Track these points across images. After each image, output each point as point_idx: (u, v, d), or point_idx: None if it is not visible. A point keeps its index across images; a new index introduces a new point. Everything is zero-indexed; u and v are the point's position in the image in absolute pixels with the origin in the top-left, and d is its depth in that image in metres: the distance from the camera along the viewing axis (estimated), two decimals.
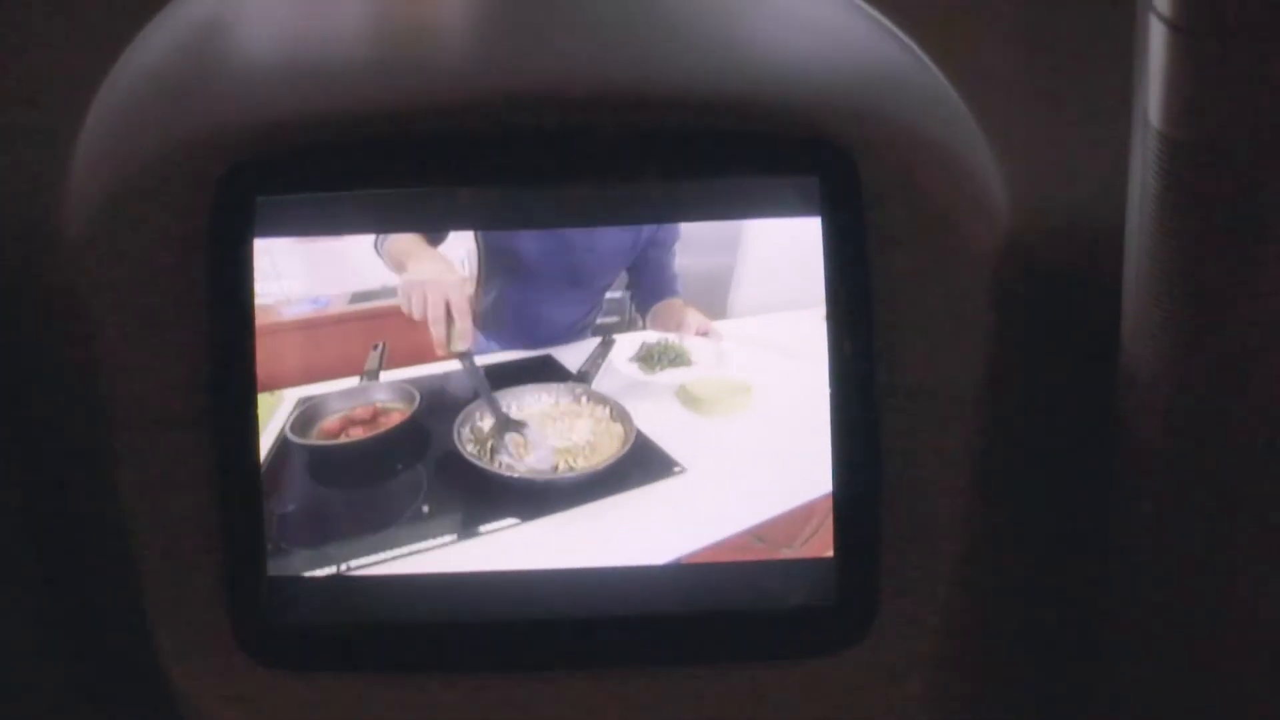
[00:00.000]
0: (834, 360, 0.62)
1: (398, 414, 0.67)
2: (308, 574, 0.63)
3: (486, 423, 0.67)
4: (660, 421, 0.67)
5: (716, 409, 0.67)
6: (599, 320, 0.68)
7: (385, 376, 0.67)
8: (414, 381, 0.67)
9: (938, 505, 0.63)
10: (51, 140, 0.60)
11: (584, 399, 0.68)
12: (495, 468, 0.66)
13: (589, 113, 0.63)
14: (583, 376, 0.68)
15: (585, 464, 0.66)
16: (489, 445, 0.66)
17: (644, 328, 0.68)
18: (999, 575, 0.64)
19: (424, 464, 0.66)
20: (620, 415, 0.67)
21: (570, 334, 0.68)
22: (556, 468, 0.66)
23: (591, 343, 0.68)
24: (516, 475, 0.66)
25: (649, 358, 0.68)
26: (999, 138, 0.60)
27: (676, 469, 0.66)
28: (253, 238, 0.63)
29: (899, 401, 0.63)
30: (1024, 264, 0.61)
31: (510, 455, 0.66)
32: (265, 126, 0.62)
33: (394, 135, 0.63)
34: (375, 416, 0.67)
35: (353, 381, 0.67)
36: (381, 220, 0.64)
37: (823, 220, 0.62)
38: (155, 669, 0.64)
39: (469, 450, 0.66)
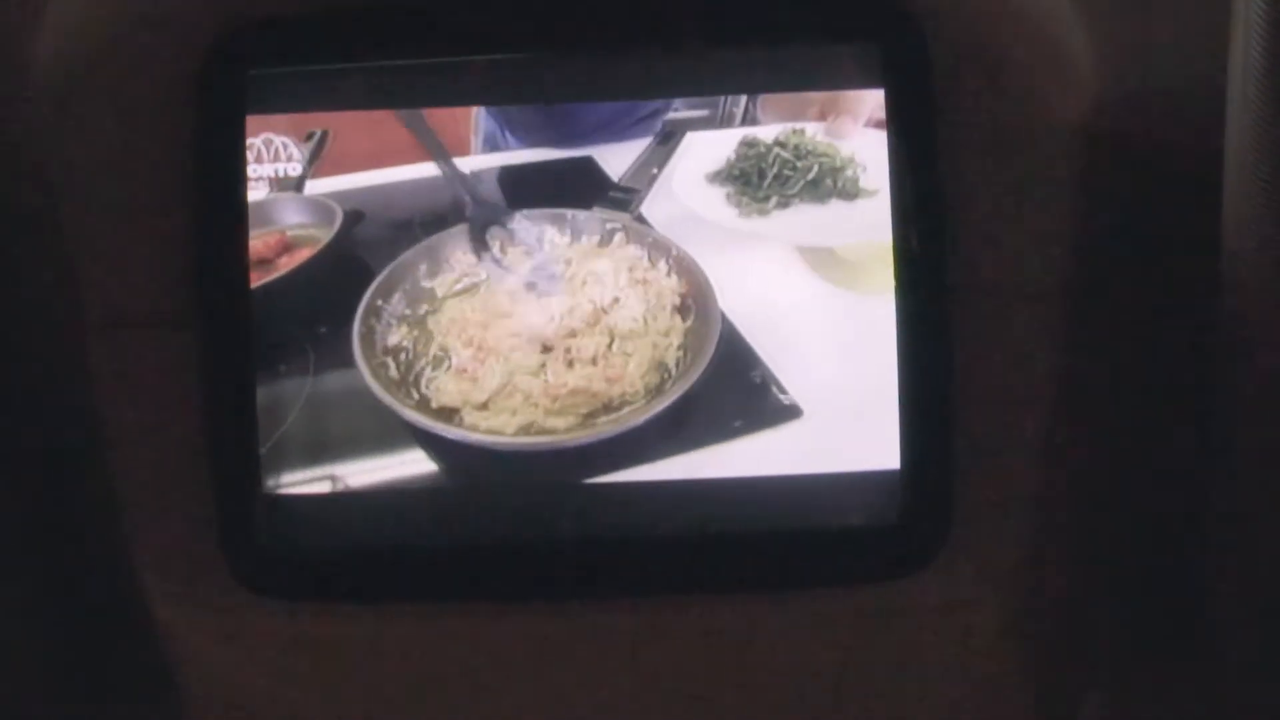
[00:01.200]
0: (899, 252, 0.55)
1: (308, 249, 0.51)
2: (311, 490, 0.56)
3: (443, 281, 0.50)
4: (763, 304, 0.48)
5: (868, 280, 0.50)
6: (672, 114, 0.52)
7: (316, 188, 0.50)
8: (348, 195, 0.49)
9: (1015, 415, 0.57)
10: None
11: (618, 238, 0.51)
12: (416, 409, 0.49)
13: None
14: (621, 198, 0.51)
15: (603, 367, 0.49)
16: (430, 340, 0.50)
17: (752, 123, 0.50)
18: (1084, 493, 0.59)
19: (315, 349, 0.48)
20: (694, 289, 0.48)
21: (625, 125, 0.53)
22: (569, 309, 0.48)
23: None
24: (461, 435, 0.49)
25: (753, 176, 0.49)
26: None
27: (789, 406, 0.51)
28: (245, 115, 0.56)
29: (972, 299, 0.57)
30: (1113, 143, 0.56)
31: (498, 259, 0.50)
32: None
33: None
34: (279, 254, 0.51)
35: (260, 194, 0.53)
36: (395, 95, 0.56)
37: (886, 93, 0.55)
38: (139, 603, 0.59)
39: (385, 344, 0.49)
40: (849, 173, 0.52)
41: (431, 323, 0.53)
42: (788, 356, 0.53)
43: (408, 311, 0.53)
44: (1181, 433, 0.57)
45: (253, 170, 0.56)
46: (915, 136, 0.55)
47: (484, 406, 0.54)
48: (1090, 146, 0.56)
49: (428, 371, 0.54)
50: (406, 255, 0.53)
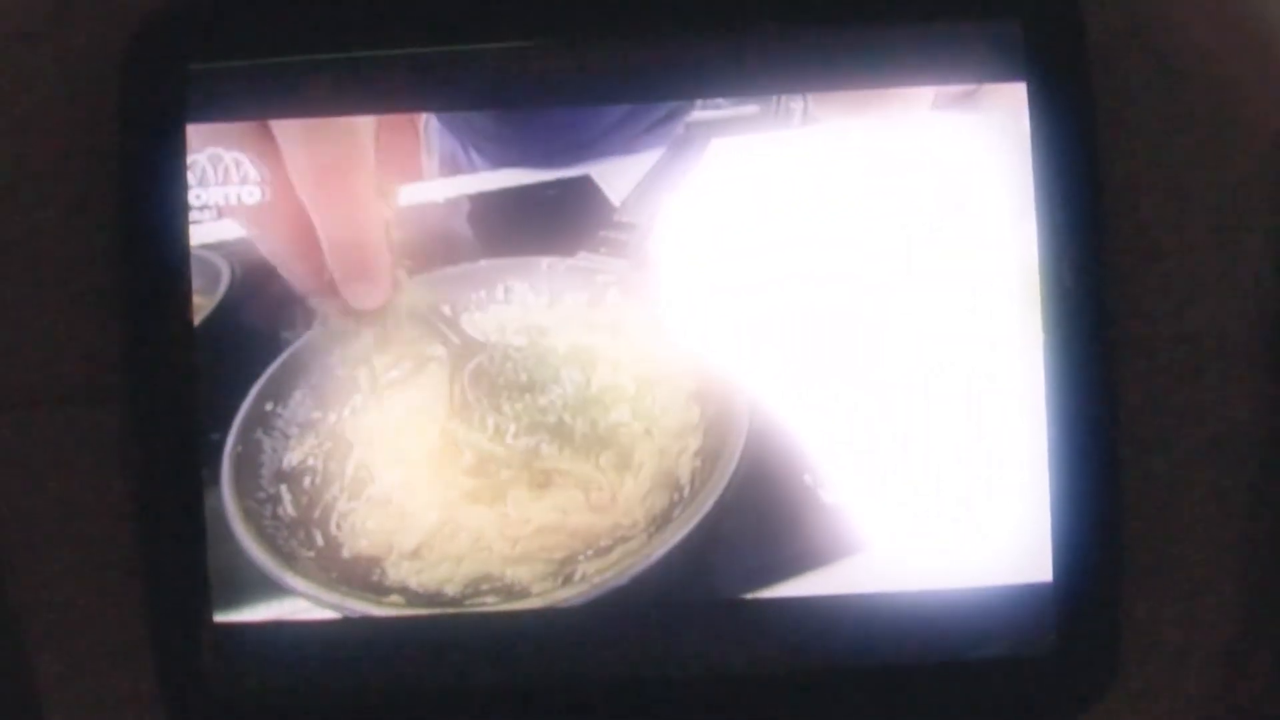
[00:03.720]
0: (1048, 294, 0.46)
1: None
2: (278, 620, 0.44)
3: (370, 368, 0.40)
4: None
5: None
6: (698, 113, 0.39)
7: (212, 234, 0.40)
8: (233, 247, 0.40)
9: (1210, 506, 0.48)
10: None
11: (612, 296, 0.40)
12: (312, 570, 0.39)
13: None
14: (617, 237, 0.38)
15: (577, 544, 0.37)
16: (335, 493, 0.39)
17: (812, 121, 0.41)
18: None
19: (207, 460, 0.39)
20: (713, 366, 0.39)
21: (633, 133, 0.40)
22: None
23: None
24: (373, 610, 0.39)
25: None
26: None
27: (842, 533, 0.40)
28: (185, 123, 0.46)
29: (1148, 355, 0.48)
30: None
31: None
32: None
33: None
34: None
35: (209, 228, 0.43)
36: (370, 96, 0.45)
37: (1029, 88, 0.46)
38: None
39: (280, 466, 0.38)
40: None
41: (350, 429, 0.41)
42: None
43: (315, 415, 0.41)
44: None
45: (196, 196, 0.46)
46: (1066, 144, 0.47)
47: (415, 554, 0.41)
48: None
49: (342, 502, 0.41)
50: (313, 334, 0.41)
